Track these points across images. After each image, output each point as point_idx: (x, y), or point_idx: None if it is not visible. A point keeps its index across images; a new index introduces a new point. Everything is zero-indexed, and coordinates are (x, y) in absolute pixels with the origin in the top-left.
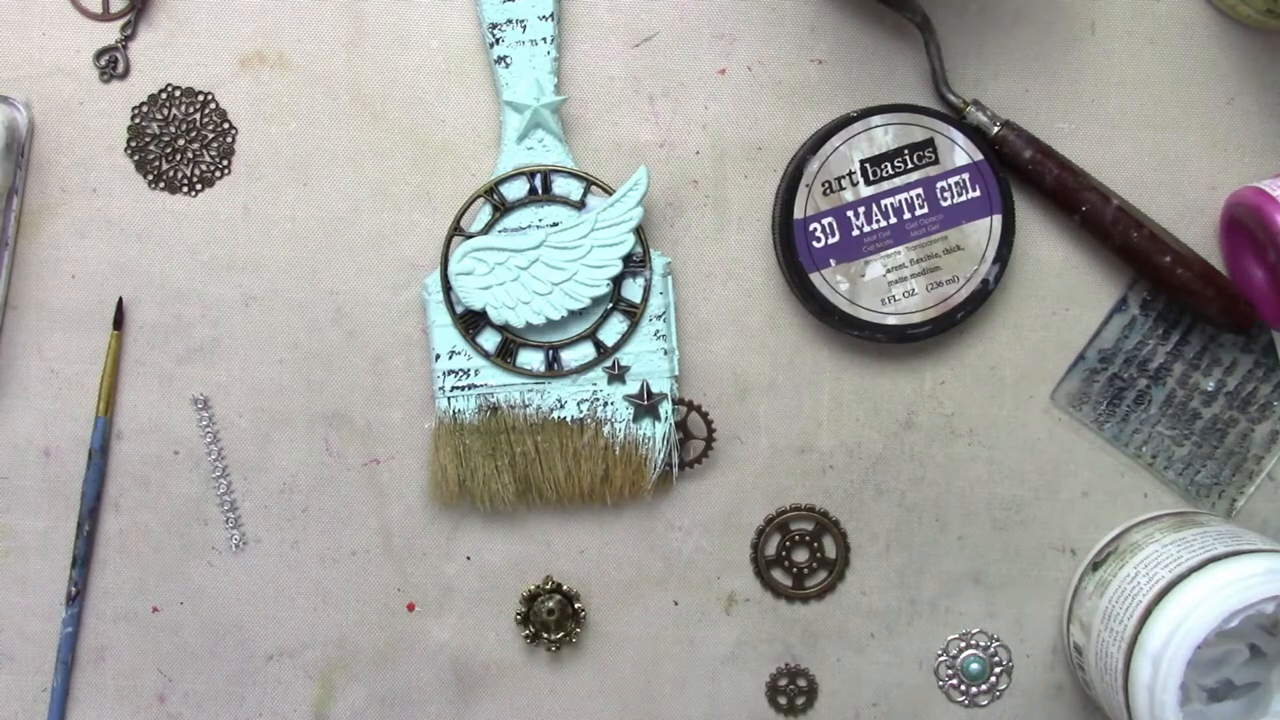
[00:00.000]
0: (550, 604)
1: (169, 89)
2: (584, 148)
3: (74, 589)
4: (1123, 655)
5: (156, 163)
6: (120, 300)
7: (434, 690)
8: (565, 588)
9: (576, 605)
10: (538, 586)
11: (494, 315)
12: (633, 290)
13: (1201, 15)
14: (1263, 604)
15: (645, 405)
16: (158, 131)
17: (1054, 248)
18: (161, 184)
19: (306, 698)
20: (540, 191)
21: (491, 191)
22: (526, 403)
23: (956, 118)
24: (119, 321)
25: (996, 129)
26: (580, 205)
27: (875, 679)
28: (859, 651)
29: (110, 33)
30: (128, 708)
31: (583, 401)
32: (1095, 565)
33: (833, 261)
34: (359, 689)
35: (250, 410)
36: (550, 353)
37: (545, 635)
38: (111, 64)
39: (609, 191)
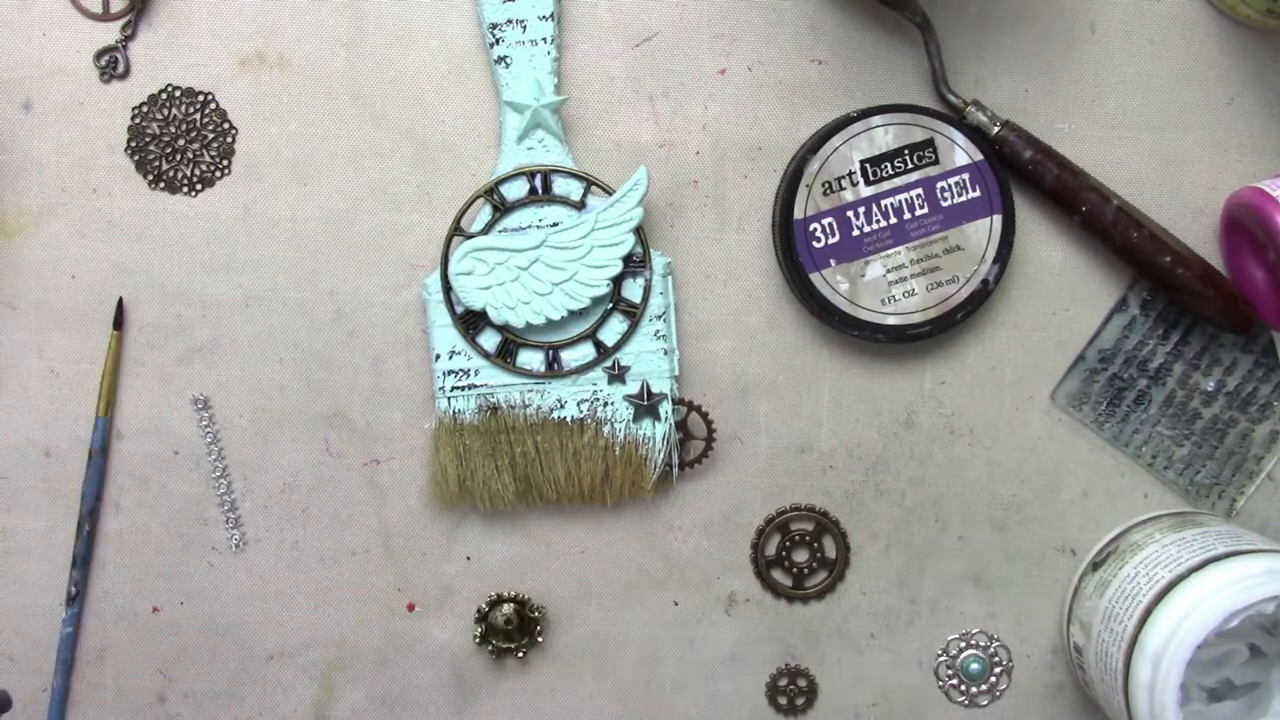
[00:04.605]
0: (506, 611)
1: (169, 89)
2: (584, 148)
3: (74, 589)
4: (1123, 655)
5: (156, 163)
6: (120, 300)
7: (434, 690)
8: (517, 595)
9: (533, 613)
10: (489, 601)
11: (494, 315)
12: (633, 290)
13: (1201, 15)
14: (1263, 604)
15: (645, 405)
16: (158, 131)
17: (1054, 248)
18: (161, 184)
19: (306, 698)
20: (540, 191)
21: (491, 191)
22: (526, 403)
23: (956, 118)
24: (119, 322)
25: (996, 129)
26: (580, 205)
27: (875, 679)
28: (859, 651)
29: (110, 33)
30: (128, 708)
31: (583, 401)
32: (1095, 565)
33: (833, 261)
34: (359, 689)
35: (250, 410)
36: (550, 353)
37: (509, 644)
38: (111, 64)
39: (609, 191)
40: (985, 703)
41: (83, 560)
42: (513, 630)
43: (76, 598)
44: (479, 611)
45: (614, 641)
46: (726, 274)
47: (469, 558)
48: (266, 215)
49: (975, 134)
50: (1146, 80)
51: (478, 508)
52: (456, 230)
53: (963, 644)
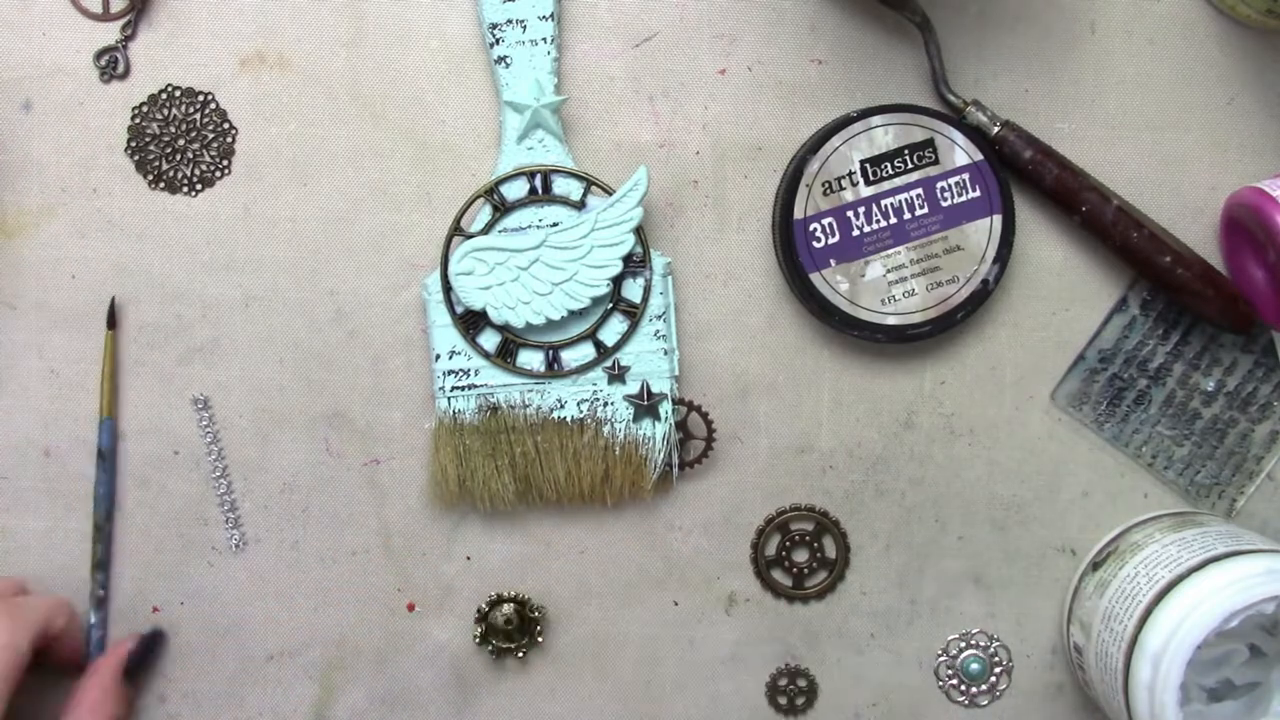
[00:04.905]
0: (506, 611)
1: (169, 89)
2: (584, 148)
3: (101, 592)
4: (1123, 655)
5: (156, 163)
6: (112, 300)
7: (434, 690)
8: (517, 595)
9: (533, 613)
10: (489, 601)
11: (494, 315)
12: (633, 290)
13: (1201, 15)
14: (1263, 604)
15: (645, 405)
16: (158, 131)
17: (1054, 248)
18: (161, 184)
19: (306, 698)
20: (540, 191)
21: (491, 191)
22: (526, 403)
23: (956, 118)
24: (112, 321)
25: (996, 129)
26: (580, 205)
27: (875, 679)
28: (859, 651)
29: (110, 33)
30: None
31: (583, 401)
32: (1095, 565)
33: (833, 261)
34: (359, 689)
35: (250, 410)
36: (550, 353)
37: (509, 644)
38: (111, 64)
39: (609, 191)
40: (985, 703)
41: (103, 563)
42: (513, 630)
43: (105, 601)
44: (479, 611)
45: (614, 641)
46: (726, 274)
47: (469, 558)
48: (266, 215)
49: (975, 134)
50: (1146, 80)
51: (478, 508)
52: (456, 230)
53: (963, 644)
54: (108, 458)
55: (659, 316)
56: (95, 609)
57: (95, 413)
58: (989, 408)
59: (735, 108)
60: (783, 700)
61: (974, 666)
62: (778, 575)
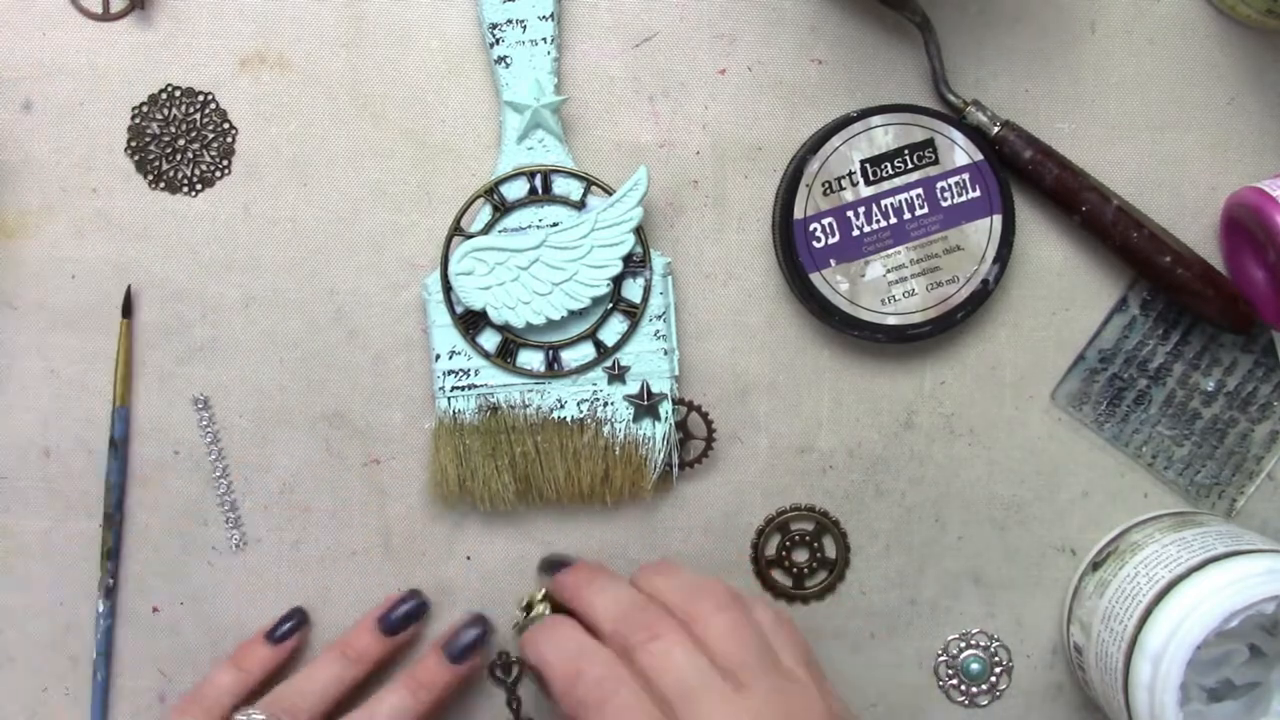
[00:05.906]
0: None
1: (169, 89)
2: (584, 148)
3: (110, 580)
4: (1123, 655)
5: (156, 163)
6: (129, 289)
7: None
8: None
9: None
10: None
11: (494, 315)
12: (633, 290)
13: (1201, 15)
14: (1263, 604)
15: (645, 405)
16: (158, 131)
17: (1054, 248)
18: (161, 184)
19: None
20: (540, 191)
21: (491, 191)
22: (526, 403)
23: (956, 118)
24: (127, 310)
25: (996, 129)
26: (580, 205)
27: (875, 679)
28: (859, 651)
29: (110, 33)
30: (127, 708)
31: (583, 401)
32: (1095, 565)
33: (833, 261)
34: None
35: (250, 410)
36: (550, 353)
37: None
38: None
39: (609, 191)
40: (985, 703)
41: (113, 551)
42: None
43: (113, 590)
44: (519, 618)
45: None
46: (726, 274)
47: (469, 558)
48: (266, 215)
49: (975, 134)
50: (1146, 80)
51: (478, 508)
52: (456, 230)
53: (963, 644)
54: (120, 446)
55: (659, 316)
56: (104, 598)
57: (96, 412)
58: (989, 408)
59: (735, 108)
60: None
61: (974, 666)
62: (778, 575)
